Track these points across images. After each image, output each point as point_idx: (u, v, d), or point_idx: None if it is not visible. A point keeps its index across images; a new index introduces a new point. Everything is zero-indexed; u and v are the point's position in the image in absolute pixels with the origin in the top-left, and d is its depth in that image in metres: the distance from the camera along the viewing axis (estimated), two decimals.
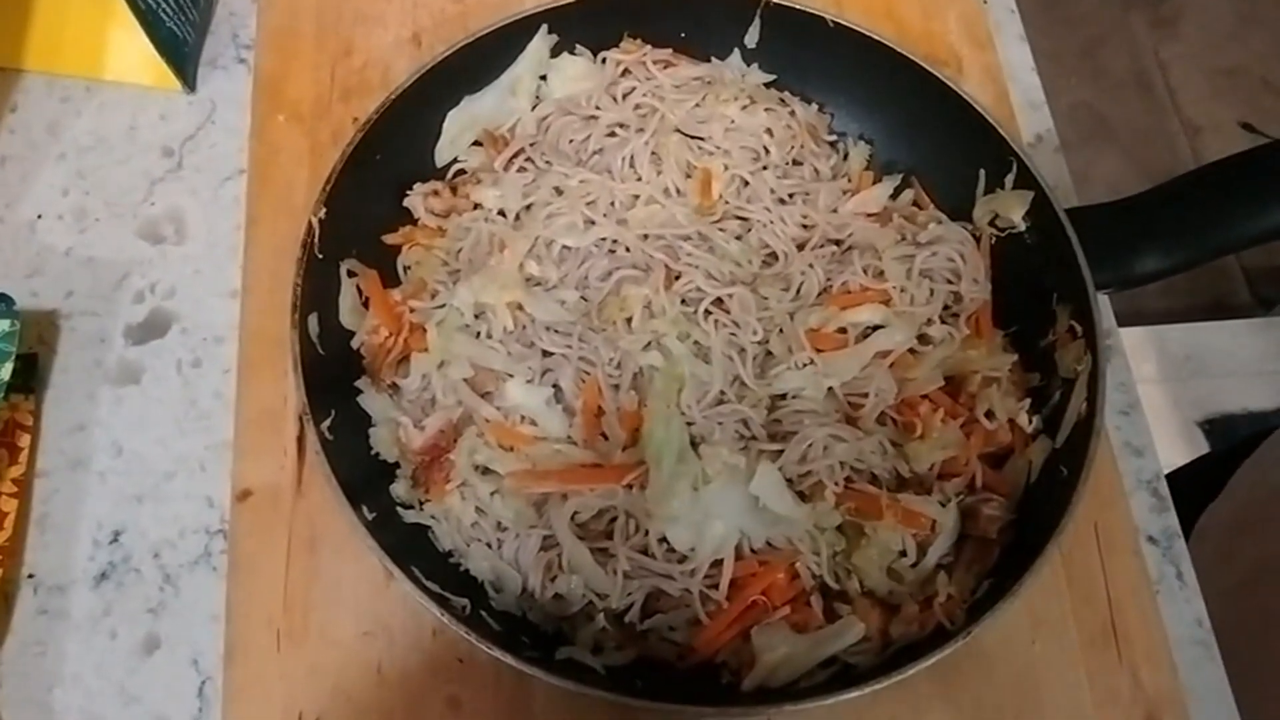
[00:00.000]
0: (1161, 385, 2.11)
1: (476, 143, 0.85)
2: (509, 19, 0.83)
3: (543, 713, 0.71)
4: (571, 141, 0.85)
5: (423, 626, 0.72)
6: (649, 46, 0.87)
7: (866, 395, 0.75)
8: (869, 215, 0.83)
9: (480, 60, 0.83)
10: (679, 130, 0.84)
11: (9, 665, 0.71)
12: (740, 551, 0.70)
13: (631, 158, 0.82)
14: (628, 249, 0.79)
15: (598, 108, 0.85)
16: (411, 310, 0.77)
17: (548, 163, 0.83)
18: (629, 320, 0.76)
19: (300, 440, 0.77)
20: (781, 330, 0.77)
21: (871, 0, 0.97)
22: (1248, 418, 2.08)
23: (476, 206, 0.82)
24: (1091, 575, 0.76)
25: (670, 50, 0.87)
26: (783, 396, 0.76)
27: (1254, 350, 2.16)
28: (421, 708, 0.71)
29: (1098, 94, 2.48)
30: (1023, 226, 0.80)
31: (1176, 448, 2.06)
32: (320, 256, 0.74)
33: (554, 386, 0.74)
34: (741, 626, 0.69)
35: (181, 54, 0.90)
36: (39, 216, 0.86)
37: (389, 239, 0.81)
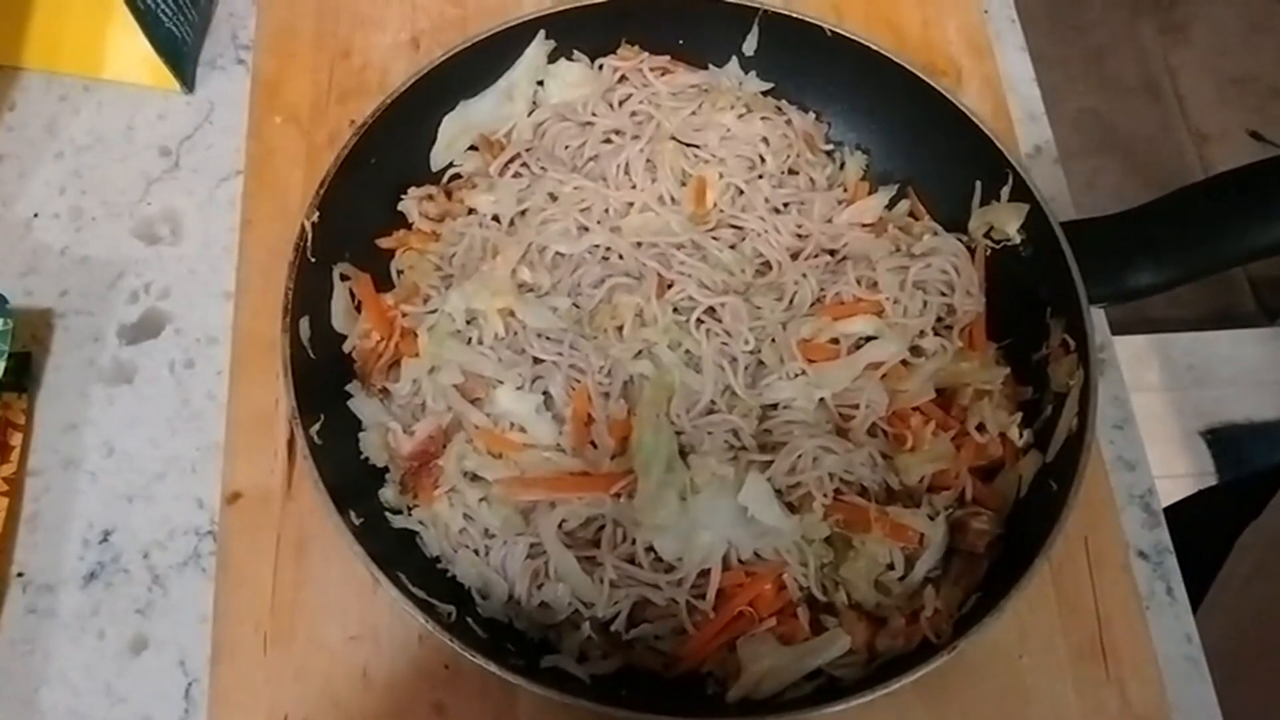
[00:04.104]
0: (1164, 394, 2.11)
1: (472, 147, 0.85)
2: (507, 24, 0.83)
3: None
4: (567, 148, 0.85)
5: (410, 632, 0.72)
6: (646, 53, 0.87)
7: (857, 406, 0.75)
8: (864, 225, 0.83)
9: (477, 65, 0.83)
10: (675, 138, 0.84)
11: None
12: (727, 562, 0.70)
13: (627, 165, 0.82)
14: (621, 256, 0.79)
15: (594, 114, 0.85)
16: (403, 315, 0.77)
17: (543, 168, 0.83)
18: (620, 328, 0.76)
19: (291, 443, 0.77)
20: (773, 340, 0.77)
21: (871, 9, 0.97)
22: (1250, 428, 2.08)
23: (471, 211, 0.82)
24: (1081, 590, 0.76)
25: (668, 57, 0.87)
26: (773, 406, 0.75)
27: (1258, 360, 2.16)
28: (407, 713, 0.71)
29: (1105, 101, 2.47)
30: (1018, 239, 0.80)
31: (1178, 457, 2.06)
32: (313, 260, 0.74)
33: (544, 394, 0.74)
34: (728, 637, 0.69)
35: (180, 54, 0.90)
36: (35, 215, 0.86)
37: (383, 243, 0.81)
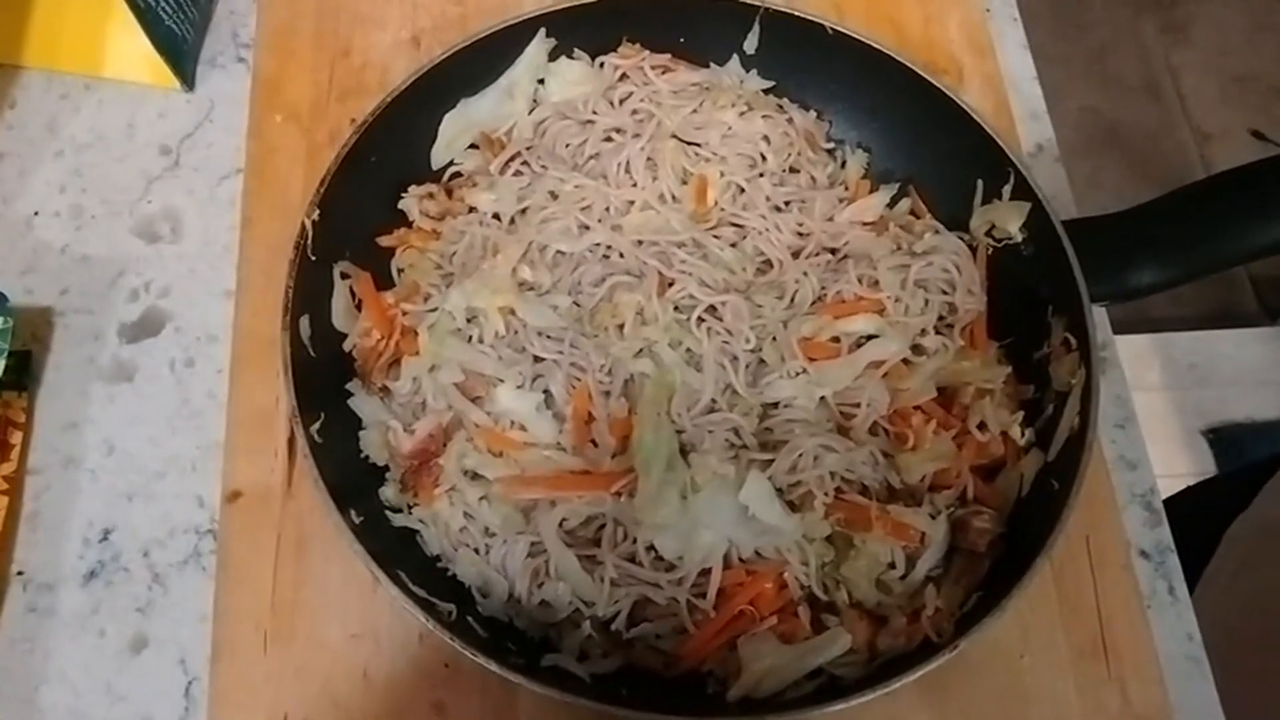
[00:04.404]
0: (1166, 393, 2.11)
1: (473, 145, 0.85)
2: (507, 22, 0.83)
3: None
4: (568, 146, 0.84)
5: (410, 631, 0.72)
6: (647, 51, 0.86)
7: (859, 405, 0.75)
8: (865, 224, 0.83)
9: (478, 63, 0.83)
10: (676, 136, 0.84)
11: None
12: (728, 561, 0.70)
13: (627, 163, 0.82)
14: (621, 255, 0.79)
15: (595, 112, 0.85)
16: (404, 313, 0.77)
17: (544, 167, 0.82)
18: (621, 327, 0.75)
19: (291, 442, 0.77)
20: (774, 338, 0.76)
21: (872, 7, 0.97)
22: (1251, 427, 2.08)
23: (471, 209, 0.82)
24: (1082, 589, 0.76)
25: (669, 55, 0.87)
26: (774, 405, 0.75)
27: (1259, 359, 2.15)
28: (407, 712, 0.71)
29: (1107, 99, 2.46)
30: (1019, 238, 0.80)
31: (1180, 456, 2.06)
32: (313, 258, 0.74)
33: (544, 392, 0.74)
34: (728, 636, 0.69)
35: (180, 52, 0.90)
36: (35, 213, 0.86)
37: (383, 241, 0.81)
